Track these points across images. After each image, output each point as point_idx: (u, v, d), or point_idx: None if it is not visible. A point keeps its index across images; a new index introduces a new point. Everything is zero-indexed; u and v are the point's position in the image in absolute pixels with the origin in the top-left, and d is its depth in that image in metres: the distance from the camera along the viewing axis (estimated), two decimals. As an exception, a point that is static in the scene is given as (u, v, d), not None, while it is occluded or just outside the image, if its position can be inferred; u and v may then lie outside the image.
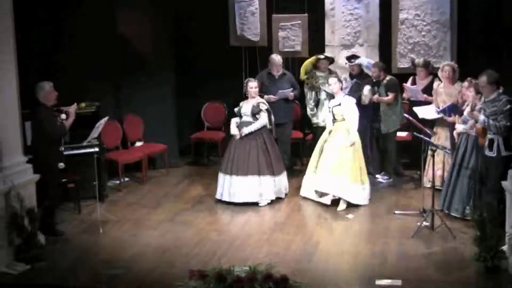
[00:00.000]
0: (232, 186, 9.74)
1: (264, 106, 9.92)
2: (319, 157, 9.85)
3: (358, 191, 9.60)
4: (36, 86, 8.65)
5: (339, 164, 9.57)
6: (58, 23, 10.56)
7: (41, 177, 8.39)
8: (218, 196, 9.92)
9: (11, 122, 8.04)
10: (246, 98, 10.07)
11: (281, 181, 10.00)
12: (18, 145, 8.21)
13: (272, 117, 10.02)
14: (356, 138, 9.72)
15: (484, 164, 8.49)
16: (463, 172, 8.82)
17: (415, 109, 10.10)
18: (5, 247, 7.86)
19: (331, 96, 10.74)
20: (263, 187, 9.77)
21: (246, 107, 9.93)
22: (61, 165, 8.78)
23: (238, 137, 9.84)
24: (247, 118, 9.90)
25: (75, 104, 9.09)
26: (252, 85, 9.98)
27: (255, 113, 9.84)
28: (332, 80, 9.89)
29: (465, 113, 8.90)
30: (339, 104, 9.74)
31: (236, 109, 10.06)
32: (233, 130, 9.98)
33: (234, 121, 10.05)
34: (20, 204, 7.86)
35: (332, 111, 9.84)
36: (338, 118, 9.77)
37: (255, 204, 9.73)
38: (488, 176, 8.42)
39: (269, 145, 9.91)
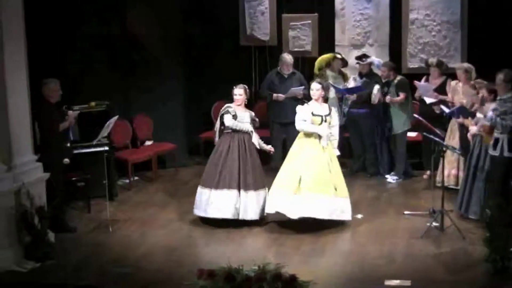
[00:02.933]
0: (252, 203, 8.96)
1: (258, 124, 9.35)
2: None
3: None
4: (42, 82, 8.71)
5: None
6: (69, 23, 10.58)
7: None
8: (231, 216, 8.93)
9: (22, 121, 8.07)
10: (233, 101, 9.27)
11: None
12: (28, 143, 8.24)
13: None
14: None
15: (490, 164, 8.49)
16: (478, 175, 8.78)
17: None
18: (15, 245, 7.90)
19: (337, 92, 10.80)
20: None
21: (243, 115, 9.18)
22: (66, 160, 8.81)
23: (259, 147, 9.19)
24: (246, 125, 9.15)
25: (77, 112, 9.08)
26: (237, 92, 9.18)
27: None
28: (316, 85, 9.07)
29: (478, 114, 8.87)
30: (329, 114, 9.04)
31: (231, 111, 9.14)
32: (258, 142, 9.23)
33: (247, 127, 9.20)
34: (30, 203, 7.90)
35: (325, 119, 8.98)
36: (326, 132, 9.02)
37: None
38: (494, 177, 8.42)
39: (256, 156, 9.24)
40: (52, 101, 8.79)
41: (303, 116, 8.99)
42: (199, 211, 9.13)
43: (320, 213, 8.73)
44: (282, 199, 8.81)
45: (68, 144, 8.99)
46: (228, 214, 8.93)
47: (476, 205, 8.81)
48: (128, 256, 8.17)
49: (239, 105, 9.18)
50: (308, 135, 8.98)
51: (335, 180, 8.85)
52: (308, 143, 8.96)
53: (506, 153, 8.25)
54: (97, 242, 8.63)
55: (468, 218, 8.88)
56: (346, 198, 8.95)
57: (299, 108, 9.09)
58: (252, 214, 8.95)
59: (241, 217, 8.92)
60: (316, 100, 9.06)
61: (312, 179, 8.73)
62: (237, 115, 9.14)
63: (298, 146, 9.04)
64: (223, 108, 9.30)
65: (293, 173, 8.84)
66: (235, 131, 9.12)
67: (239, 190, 8.93)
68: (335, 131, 9.17)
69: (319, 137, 8.91)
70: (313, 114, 8.96)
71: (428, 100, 10.17)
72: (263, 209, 9.00)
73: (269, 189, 9.01)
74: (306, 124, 8.96)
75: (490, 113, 8.28)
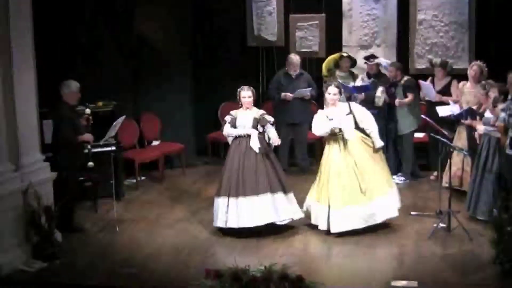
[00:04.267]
0: (240, 210, 8.51)
1: (271, 119, 8.86)
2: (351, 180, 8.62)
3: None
4: (63, 83, 8.73)
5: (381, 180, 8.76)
6: (76, 23, 10.60)
7: (60, 175, 8.45)
8: (220, 224, 8.63)
9: (29, 120, 8.08)
10: (241, 106, 8.88)
11: (293, 199, 8.81)
12: (36, 143, 8.26)
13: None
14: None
15: (505, 165, 8.45)
16: (486, 175, 8.74)
17: (438, 108, 10.05)
18: (22, 245, 7.93)
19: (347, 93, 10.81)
20: (277, 205, 8.62)
21: (244, 118, 8.77)
22: (91, 164, 8.76)
23: (258, 150, 8.59)
24: (242, 129, 8.75)
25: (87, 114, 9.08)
26: (246, 95, 8.77)
27: (258, 125, 8.76)
28: (333, 89, 8.75)
29: (486, 114, 8.85)
30: (350, 112, 8.77)
31: (228, 118, 8.86)
32: (256, 145, 8.63)
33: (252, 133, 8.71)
34: (38, 202, 7.91)
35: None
36: (347, 126, 8.73)
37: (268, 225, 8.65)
38: (509, 177, 8.38)
39: (274, 160, 8.81)
40: (71, 103, 8.80)
41: (318, 121, 8.80)
42: (225, 224, 8.76)
43: (355, 224, 8.54)
44: (320, 214, 8.67)
45: (89, 146, 8.90)
46: (219, 223, 8.64)
47: (485, 206, 8.77)
48: (135, 256, 8.18)
49: (247, 108, 8.82)
50: (332, 140, 8.72)
51: (365, 183, 8.58)
52: (332, 150, 8.70)
53: None
54: (104, 242, 8.64)
55: (476, 219, 8.86)
56: (384, 196, 8.67)
57: (315, 116, 8.87)
58: (246, 221, 8.49)
59: (228, 225, 8.54)
60: (332, 104, 8.78)
61: (340, 194, 8.55)
62: (237, 119, 8.79)
63: (325, 157, 8.79)
64: None
65: (324, 187, 8.68)
66: (236, 136, 8.79)
67: (229, 198, 8.57)
68: (366, 123, 8.80)
69: (343, 137, 8.64)
70: (328, 118, 8.71)
71: (441, 113, 10.02)
72: (275, 213, 8.60)
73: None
74: (321, 125, 8.75)
75: (502, 114, 8.24)
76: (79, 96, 8.86)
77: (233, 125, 8.80)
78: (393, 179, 10.69)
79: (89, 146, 8.85)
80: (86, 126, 8.94)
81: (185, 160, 11.59)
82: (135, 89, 11.56)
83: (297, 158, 11.24)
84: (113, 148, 9.64)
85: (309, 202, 8.88)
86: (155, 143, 11.53)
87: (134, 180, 10.81)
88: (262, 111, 8.92)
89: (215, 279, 6.55)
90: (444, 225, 8.68)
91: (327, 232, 8.58)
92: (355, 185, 8.58)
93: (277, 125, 11.08)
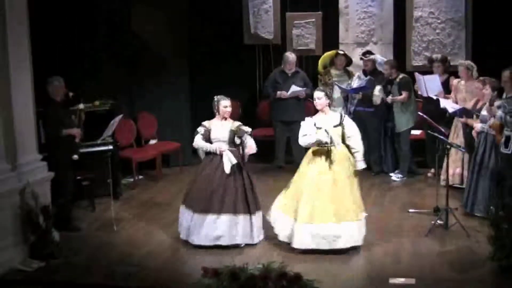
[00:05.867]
0: (202, 227, 8.17)
1: (248, 129, 8.25)
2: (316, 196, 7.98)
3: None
4: (46, 81, 8.74)
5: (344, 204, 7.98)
6: (73, 22, 10.59)
7: (57, 174, 8.45)
8: (182, 236, 8.37)
9: (26, 120, 8.08)
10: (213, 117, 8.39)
11: (256, 222, 8.31)
12: (33, 143, 8.26)
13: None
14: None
15: (502, 163, 8.45)
16: (483, 172, 8.76)
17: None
18: (20, 244, 7.92)
19: (344, 92, 10.79)
20: (237, 228, 8.21)
21: (219, 131, 8.23)
22: (75, 157, 8.80)
23: (228, 171, 8.12)
24: (222, 144, 8.26)
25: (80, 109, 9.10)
26: (227, 104, 8.24)
27: (235, 137, 8.20)
28: (319, 93, 8.13)
29: (482, 112, 8.86)
30: (340, 124, 8.10)
31: (201, 130, 8.32)
32: (227, 166, 8.12)
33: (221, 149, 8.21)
34: (35, 202, 7.91)
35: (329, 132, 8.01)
36: (335, 140, 8.05)
37: (228, 247, 8.22)
38: (506, 175, 8.38)
39: (246, 177, 8.25)
40: (58, 99, 8.81)
41: (305, 130, 8.12)
42: (186, 237, 8.50)
43: (319, 244, 7.95)
44: (285, 225, 8.16)
45: (77, 140, 8.92)
46: (182, 235, 8.40)
47: (482, 203, 8.78)
48: (133, 254, 8.18)
49: (225, 118, 8.30)
50: (316, 152, 8.08)
51: (336, 205, 7.94)
52: (313, 163, 8.07)
53: None
54: (102, 241, 8.63)
55: (473, 216, 8.87)
56: (352, 222, 7.97)
57: (302, 123, 8.27)
58: (200, 238, 8.18)
59: (190, 239, 8.26)
60: (321, 110, 8.18)
61: (309, 209, 7.94)
62: (212, 132, 8.26)
63: (304, 167, 8.18)
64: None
65: (294, 198, 8.12)
66: (208, 152, 8.31)
67: (193, 213, 8.22)
68: (354, 142, 8.11)
69: (328, 149, 8.00)
70: (316, 127, 8.10)
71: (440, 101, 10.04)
72: (233, 236, 8.19)
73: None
74: (307, 136, 8.06)
75: (499, 112, 8.24)
76: (65, 91, 8.85)
77: (207, 138, 8.27)
78: (391, 176, 10.80)
79: (77, 140, 8.87)
80: (78, 121, 8.95)
81: (182, 159, 11.58)
82: (132, 88, 11.55)
83: (294, 156, 11.24)
84: (110, 147, 9.63)
85: (275, 211, 8.28)
86: (152, 142, 11.54)
87: (132, 179, 10.81)
88: (238, 122, 8.37)
89: (213, 277, 6.54)
90: (441, 222, 8.68)
91: (288, 245, 8.13)
92: (327, 203, 7.93)
93: (273, 123, 11.17)
